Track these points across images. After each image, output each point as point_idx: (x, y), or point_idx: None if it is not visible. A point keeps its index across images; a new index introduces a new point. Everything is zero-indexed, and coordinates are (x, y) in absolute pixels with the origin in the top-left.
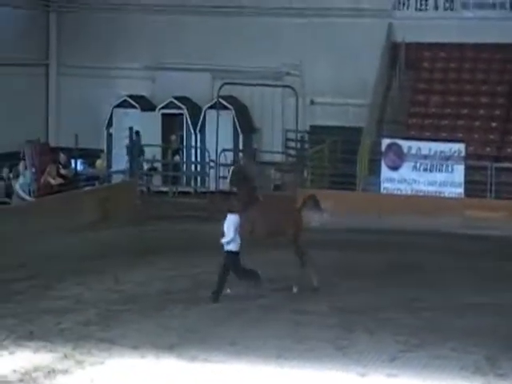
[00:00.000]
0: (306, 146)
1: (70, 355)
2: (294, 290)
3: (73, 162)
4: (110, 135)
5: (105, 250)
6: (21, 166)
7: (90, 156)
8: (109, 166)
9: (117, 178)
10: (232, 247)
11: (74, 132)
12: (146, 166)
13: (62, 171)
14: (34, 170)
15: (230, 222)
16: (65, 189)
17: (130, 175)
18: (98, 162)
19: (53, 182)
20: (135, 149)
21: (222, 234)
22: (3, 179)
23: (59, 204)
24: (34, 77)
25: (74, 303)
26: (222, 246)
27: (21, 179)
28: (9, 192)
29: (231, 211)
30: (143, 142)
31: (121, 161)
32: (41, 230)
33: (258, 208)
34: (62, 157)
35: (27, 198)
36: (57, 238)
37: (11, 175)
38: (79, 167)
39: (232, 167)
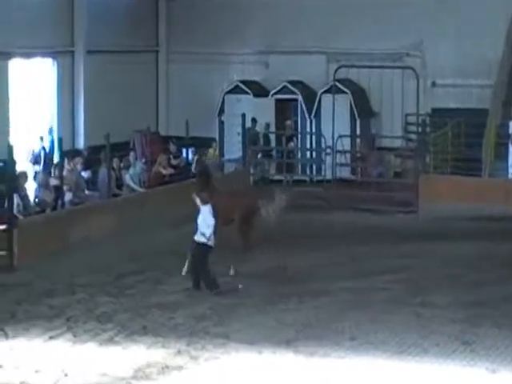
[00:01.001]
0: (428, 129)
1: (184, 351)
2: (231, 272)
3: (184, 151)
4: (221, 122)
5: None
6: (131, 157)
7: (201, 145)
8: (221, 154)
9: (230, 167)
10: (204, 240)
11: (185, 120)
12: (259, 155)
13: (173, 161)
14: (144, 160)
15: (206, 214)
16: (176, 179)
17: (243, 164)
18: (210, 152)
19: (164, 172)
20: (249, 136)
21: (196, 229)
22: (114, 170)
23: (170, 195)
24: (144, 64)
25: (186, 297)
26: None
27: (131, 170)
28: (119, 183)
29: (204, 203)
30: (257, 129)
31: (233, 149)
32: (152, 221)
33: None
34: (173, 146)
35: (138, 188)
36: (168, 230)
37: (122, 166)
38: (190, 157)
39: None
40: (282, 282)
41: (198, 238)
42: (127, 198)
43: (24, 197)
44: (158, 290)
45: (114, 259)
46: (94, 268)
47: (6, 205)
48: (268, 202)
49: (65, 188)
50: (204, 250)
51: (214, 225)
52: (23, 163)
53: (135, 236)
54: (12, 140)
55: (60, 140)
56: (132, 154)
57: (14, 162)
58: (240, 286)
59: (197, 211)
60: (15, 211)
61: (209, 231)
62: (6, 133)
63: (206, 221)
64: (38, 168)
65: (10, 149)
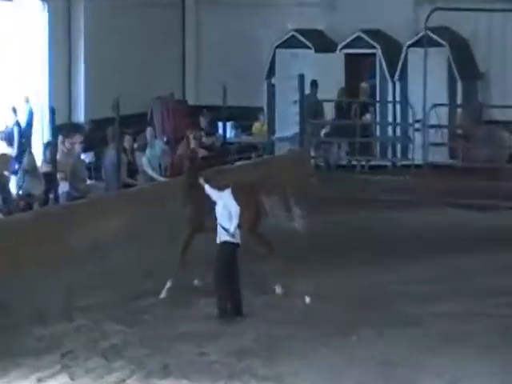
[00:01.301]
0: None
1: None
2: (278, 290)
3: (220, 126)
4: (271, 87)
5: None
6: (148, 134)
7: (243, 118)
8: (271, 130)
9: (282, 148)
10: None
11: (221, 84)
12: (323, 131)
13: (205, 139)
14: (165, 138)
15: (226, 201)
16: (209, 164)
17: (300, 143)
18: (256, 126)
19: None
20: (310, 106)
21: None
22: (125, 152)
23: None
24: (167, 9)
25: (221, 325)
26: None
27: (148, 151)
28: (133, 170)
29: (221, 187)
30: (320, 96)
31: (287, 123)
32: (176, 221)
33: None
34: (205, 120)
35: (157, 177)
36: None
37: (136, 146)
38: (229, 133)
39: None
40: (352, 304)
41: (220, 237)
42: (143, 189)
43: (3, 188)
44: (184, 316)
45: (124, 273)
46: (99, 285)
47: None
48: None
49: (59, 176)
50: (230, 250)
51: (238, 214)
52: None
53: (153, 241)
54: None
55: (52, 111)
56: (149, 129)
57: None
58: (307, 300)
59: (210, 203)
60: None
61: (233, 224)
62: None
63: (226, 210)
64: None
65: None
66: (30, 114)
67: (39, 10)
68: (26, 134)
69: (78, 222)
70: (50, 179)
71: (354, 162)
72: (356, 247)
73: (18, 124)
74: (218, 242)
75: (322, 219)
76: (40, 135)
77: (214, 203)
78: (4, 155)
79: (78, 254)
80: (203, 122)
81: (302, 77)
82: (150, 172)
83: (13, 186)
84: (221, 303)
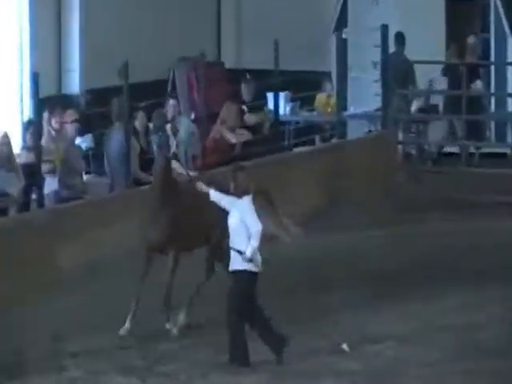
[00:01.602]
0: None
1: None
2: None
3: (270, 98)
4: (341, 43)
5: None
6: (170, 109)
7: (303, 87)
8: (341, 105)
9: (357, 129)
10: (252, 264)
11: (272, 41)
12: (415, 105)
13: (249, 117)
14: (193, 115)
15: (244, 213)
16: (255, 151)
17: (383, 123)
18: (321, 99)
19: (232, 138)
20: (395, 70)
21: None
22: (136, 135)
23: None
24: None
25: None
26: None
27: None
28: (146, 160)
29: (240, 191)
30: (408, 55)
31: (364, 95)
32: None
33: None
34: (249, 89)
35: (181, 169)
36: None
37: (152, 127)
38: (283, 109)
39: None
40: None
41: (232, 264)
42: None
43: None
44: (218, 365)
45: (130, 303)
46: (97, 321)
47: None
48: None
49: (44, 169)
50: (246, 283)
51: (260, 232)
52: None
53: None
54: None
55: (35, 78)
56: (172, 103)
57: None
58: (345, 347)
59: (219, 213)
60: None
61: (251, 245)
62: None
63: (243, 225)
64: None
65: None
66: None
67: None
68: None
69: (69, 234)
70: (31, 173)
71: (459, 149)
72: (471, 269)
73: None
74: (230, 269)
75: (411, 230)
76: (18, 112)
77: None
78: None
79: (70, 278)
80: (246, 92)
81: (385, 28)
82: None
83: None
84: (234, 350)
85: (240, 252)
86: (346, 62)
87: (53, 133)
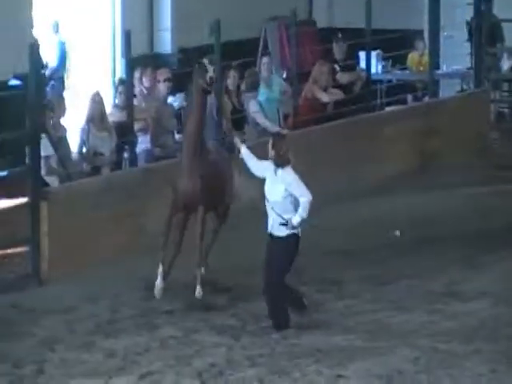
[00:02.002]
0: None
1: None
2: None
3: (362, 57)
4: (434, 0)
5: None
6: (263, 67)
7: (395, 45)
8: (434, 63)
9: (449, 87)
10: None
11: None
12: (507, 64)
13: (341, 76)
14: (285, 73)
15: (290, 182)
16: (347, 110)
17: (476, 82)
18: (413, 57)
19: (324, 97)
20: (489, 27)
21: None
22: (228, 93)
23: (340, 141)
24: None
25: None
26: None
27: (263, 92)
28: (239, 119)
29: (281, 160)
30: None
31: (458, 53)
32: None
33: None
34: (341, 47)
35: (273, 128)
36: (336, 207)
37: (244, 85)
38: (375, 67)
39: None
40: None
41: (276, 229)
42: (252, 147)
43: (59, 144)
44: (310, 324)
45: (229, 273)
46: (187, 281)
47: (27, 160)
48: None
49: (136, 128)
50: (291, 247)
51: (310, 202)
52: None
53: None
54: (37, 38)
55: (127, 37)
56: (266, 60)
57: (41, 80)
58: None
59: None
60: (44, 172)
61: (300, 215)
62: (25, 22)
63: (290, 196)
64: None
65: (33, 54)
66: (62, 46)
67: None
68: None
69: (162, 193)
70: (123, 132)
71: None
72: None
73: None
74: (273, 233)
75: (507, 188)
76: (110, 71)
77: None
78: (60, 98)
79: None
80: (338, 50)
81: None
82: (264, 122)
83: (73, 143)
84: (279, 313)
85: (286, 222)
86: (438, 21)
87: (145, 92)
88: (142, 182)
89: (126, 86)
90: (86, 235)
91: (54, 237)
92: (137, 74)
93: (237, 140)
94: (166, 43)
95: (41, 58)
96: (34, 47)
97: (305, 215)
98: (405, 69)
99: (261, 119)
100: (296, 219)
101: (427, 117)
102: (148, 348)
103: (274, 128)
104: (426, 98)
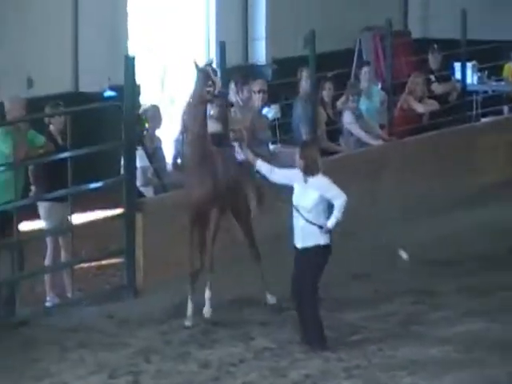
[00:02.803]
0: None
1: None
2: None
3: (457, 67)
4: None
5: None
6: (363, 77)
7: (491, 56)
8: None
9: None
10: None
11: (459, 10)
12: None
13: (436, 86)
14: (380, 84)
15: (323, 187)
16: (443, 121)
17: None
18: (509, 68)
19: (419, 107)
20: None
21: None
22: (323, 104)
23: (434, 152)
24: None
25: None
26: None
27: (362, 103)
28: (334, 130)
29: (310, 168)
30: None
31: None
32: (400, 201)
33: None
34: (436, 58)
35: (369, 140)
36: (431, 219)
37: (349, 98)
38: (470, 78)
39: None
40: None
41: (304, 241)
42: (348, 157)
43: (154, 155)
44: (407, 335)
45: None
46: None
47: (121, 171)
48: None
49: (232, 137)
50: (321, 258)
51: (345, 204)
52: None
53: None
54: (132, 52)
55: (222, 47)
56: (366, 70)
57: (136, 91)
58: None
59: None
60: (139, 183)
61: (336, 217)
62: (121, 37)
63: (323, 201)
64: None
65: (129, 64)
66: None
67: None
68: None
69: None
70: (219, 141)
71: None
72: None
73: None
74: (300, 245)
75: None
76: None
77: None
78: (154, 109)
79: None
80: (433, 61)
81: None
82: (357, 132)
83: (168, 154)
84: (321, 328)
85: (321, 226)
86: None
87: (240, 103)
88: None
89: (221, 99)
90: (180, 246)
91: (148, 248)
92: (232, 85)
93: (248, 154)
94: (260, 54)
95: (135, 70)
96: (129, 59)
97: (340, 217)
98: (501, 80)
99: (355, 130)
100: (331, 221)
101: None
102: (243, 359)
103: (368, 139)
104: None
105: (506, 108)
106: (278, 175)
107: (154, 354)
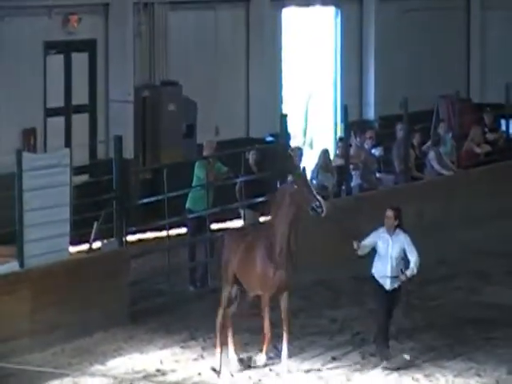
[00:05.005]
0: None
1: None
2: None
3: (503, 123)
4: None
5: None
6: (442, 130)
7: None
8: None
9: None
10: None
11: (505, 83)
12: None
13: (489, 136)
14: (451, 134)
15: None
16: (493, 159)
17: None
18: None
19: (477, 150)
20: None
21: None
22: (413, 147)
23: (488, 179)
24: (452, 11)
25: None
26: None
27: (442, 147)
28: (420, 164)
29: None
30: None
31: None
32: (466, 213)
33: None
34: (489, 116)
35: (443, 171)
36: (487, 225)
37: (429, 143)
38: None
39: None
40: None
41: (392, 285)
42: (430, 182)
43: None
44: (471, 302)
45: None
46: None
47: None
48: None
49: (351, 169)
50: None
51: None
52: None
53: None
54: (285, 108)
55: (345, 109)
56: (443, 125)
57: (287, 136)
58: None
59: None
60: None
61: (412, 270)
62: (278, 98)
63: (402, 254)
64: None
65: (283, 119)
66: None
67: (332, 14)
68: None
69: (367, 212)
70: (342, 171)
71: None
72: None
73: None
74: (390, 289)
75: None
76: (333, 131)
77: None
78: (298, 148)
79: None
80: (487, 119)
81: None
82: (437, 167)
83: None
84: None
85: (402, 272)
86: None
87: (358, 145)
88: (355, 207)
89: (343, 142)
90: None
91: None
92: (352, 133)
93: (355, 243)
94: (370, 112)
95: (287, 123)
96: (283, 117)
97: (416, 270)
98: None
99: (436, 165)
100: (410, 272)
101: None
102: None
103: (443, 170)
104: None
105: None
106: (368, 244)
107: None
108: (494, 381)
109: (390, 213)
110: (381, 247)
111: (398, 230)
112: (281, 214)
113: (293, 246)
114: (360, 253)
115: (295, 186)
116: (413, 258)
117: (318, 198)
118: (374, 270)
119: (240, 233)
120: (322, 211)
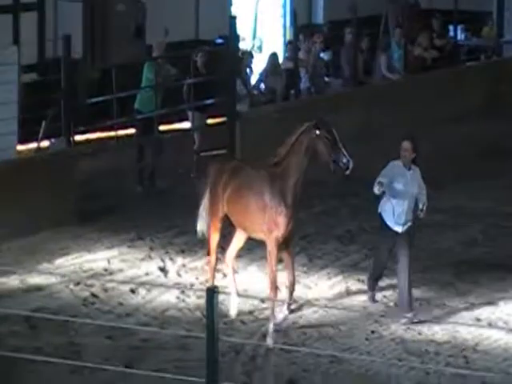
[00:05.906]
0: None
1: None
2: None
3: (451, 29)
4: None
5: None
6: (397, 36)
7: (473, 21)
8: (499, 34)
9: (510, 51)
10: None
11: None
12: None
13: (437, 41)
14: (402, 40)
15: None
16: (440, 64)
17: None
18: (485, 30)
19: (425, 54)
20: None
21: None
22: (361, 52)
23: (435, 84)
24: None
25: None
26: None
27: (395, 50)
28: (367, 69)
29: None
30: None
31: None
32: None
33: None
34: (437, 22)
35: (391, 76)
36: (434, 129)
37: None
38: (459, 36)
39: None
40: None
41: (407, 223)
42: (380, 86)
43: (247, 82)
44: None
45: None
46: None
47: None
48: None
49: (300, 72)
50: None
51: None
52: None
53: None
54: (234, 10)
55: (294, 13)
56: (398, 32)
57: (236, 38)
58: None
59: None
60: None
61: (425, 203)
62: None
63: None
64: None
65: (232, 21)
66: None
67: None
68: None
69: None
70: (291, 75)
71: None
72: None
73: None
74: (405, 229)
75: None
76: (282, 35)
77: None
78: (249, 52)
79: None
80: (435, 24)
81: None
82: (385, 72)
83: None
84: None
85: (422, 209)
86: (503, 5)
87: (306, 49)
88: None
89: (292, 46)
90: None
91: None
92: (300, 37)
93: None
94: (319, 17)
95: (236, 26)
96: (232, 19)
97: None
98: (480, 37)
99: (384, 70)
100: (423, 206)
101: (495, 69)
102: None
103: (390, 75)
104: (494, 57)
105: (482, 56)
106: (384, 179)
107: None
108: None
109: (407, 144)
110: (397, 185)
111: (413, 165)
112: (295, 160)
113: (299, 192)
114: (378, 192)
115: (317, 132)
116: (423, 189)
117: (344, 151)
118: (382, 211)
119: (229, 169)
120: (348, 168)
